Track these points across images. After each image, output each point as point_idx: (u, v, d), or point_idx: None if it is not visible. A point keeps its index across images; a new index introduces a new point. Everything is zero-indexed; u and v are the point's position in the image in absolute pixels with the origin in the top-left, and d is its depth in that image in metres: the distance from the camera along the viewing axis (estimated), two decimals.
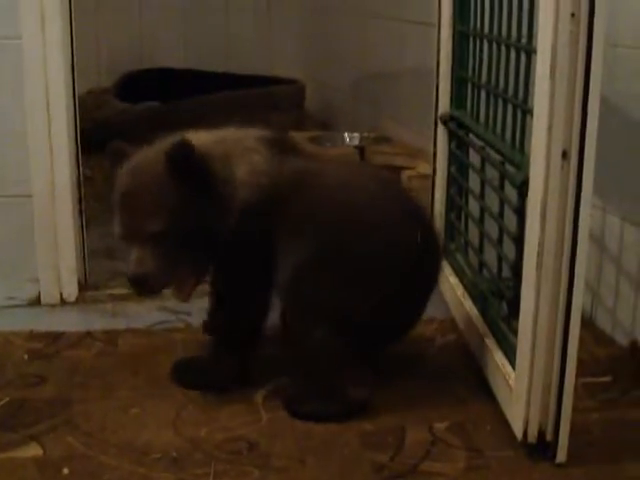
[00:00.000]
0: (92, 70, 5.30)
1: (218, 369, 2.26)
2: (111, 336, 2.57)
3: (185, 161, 2.04)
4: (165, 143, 2.10)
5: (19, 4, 2.65)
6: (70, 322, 2.71)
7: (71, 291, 2.85)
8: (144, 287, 2.08)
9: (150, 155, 2.12)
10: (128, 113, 4.99)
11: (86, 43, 4.49)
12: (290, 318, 2.21)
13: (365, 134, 4.08)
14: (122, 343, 2.53)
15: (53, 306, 2.83)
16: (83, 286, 2.90)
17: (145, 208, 2.05)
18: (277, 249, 2.15)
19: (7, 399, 2.22)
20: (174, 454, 1.98)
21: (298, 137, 4.09)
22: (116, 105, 5.01)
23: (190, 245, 2.08)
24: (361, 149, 3.77)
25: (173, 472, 1.91)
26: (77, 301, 2.86)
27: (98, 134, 4.57)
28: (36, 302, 2.84)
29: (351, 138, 4.07)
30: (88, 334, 2.61)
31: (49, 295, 2.84)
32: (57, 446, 2.01)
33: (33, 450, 2.00)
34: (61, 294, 2.85)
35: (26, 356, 2.47)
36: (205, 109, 4.95)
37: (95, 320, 2.70)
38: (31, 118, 2.72)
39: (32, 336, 2.60)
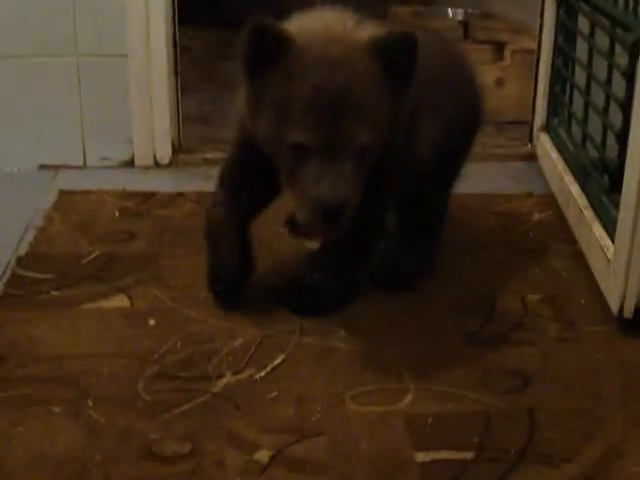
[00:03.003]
0: None
1: (338, 289, 1.99)
2: (203, 198, 2.54)
3: (408, 59, 1.69)
4: (361, 29, 1.74)
5: None
6: (162, 183, 2.71)
7: (164, 153, 2.84)
8: (339, 218, 1.66)
9: (347, 43, 1.69)
10: None
11: None
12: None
13: (469, 10, 3.95)
14: None
15: (146, 168, 2.83)
16: (177, 149, 2.88)
17: (355, 114, 1.65)
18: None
19: (97, 253, 2.23)
20: (260, 311, 1.97)
21: (401, 12, 4.00)
22: None
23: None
24: (465, 24, 3.66)
25: (258, 328, 1.91)
26: (170, 164, 2.85)
27: (200, 5, 4.54)
28: (129, 163, 2.84)
29: (454, 13, 3.94)
30: (180, 195, 2.60)
31: (143, 157, 2.83)
32: (144, 298, 2.02)
33: (121, 301, 2.01)
34: (154, 156, 2.84)
35: (117, 213, 2.47)
36: None
37: (187, 182, 2.69)
38: None
39: (124, 195, 2.60)
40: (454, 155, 2.12)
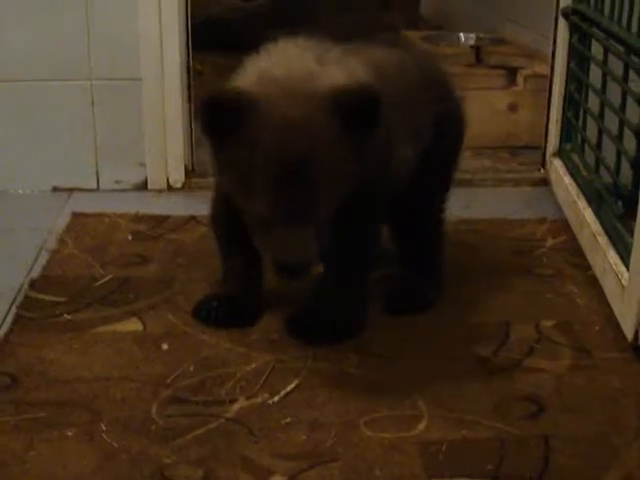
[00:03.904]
0: None
1: (347, 319, 1.98)
2: None
3: (371, 115, 1.65)
4: (317, 82, 1.67)
5: None
6: (175, 207, 2.71)
7: (177, 177, 2.85)
8: (303, 274, 1.70)
9: (307, 100, 1.64)
10: (240, 10, 4.96)
11: None
12: None
13: (481, 35, 3.96)
14: None
15: (159, 191, 2.84)
16: (189, 173, 2.88)
17: (316, 182, 1.62)
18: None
19: (110, 276, 2.23)
20: (274, 336, 1.97)
21: (412, 36, 4.01)
22: (229, 1, 4.99)
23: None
24: (477, 49, 3.66)
25: (272, 353, 1.90)
26: (183, 187, 2.86)
27: (210, 30, 4.57)
28: (143, 187, 2.85)
29: (467, 38, 3.94)
30: (192, 218, 2.60)
31: (156, 180, 2.84)
32: (157, 322, 2.02)
33: (133, 325, 2.01)
34: (167, 180, 2.84)
35: (130, 237, 2.48)
36: (317, 8, 4.88)
37: (200, 206, 2.66)
38: (142, 4, 2.69)
39: (137, 218, 2.60)
40: (439, 170, 2.11)
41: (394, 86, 1.87)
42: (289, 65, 1.72)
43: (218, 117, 1.62)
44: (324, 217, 1.68)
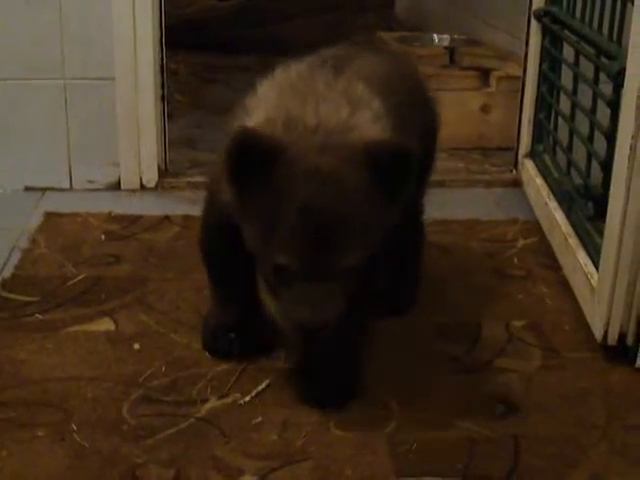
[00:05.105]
0: None
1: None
2: (189, 221, 2.54)
3: (405, 172, 1.56)
4: (356, 127, 1.60)
5: None
6: (148, 207, 2.71)
7: (151, 177, 2.84)
8: (320, 334, 1.55)
9: (339, 152, 1.54)
10: (216, 10, 4.96)
11: None
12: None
13: (455, 36, 3.97)
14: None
15: (132, 191, 2.83)
16: (163, 173, 2.88)
17: (344, 237, 1.52)
18: None
19: (82, 276, 2.22)
20: None
21: (386, 37, 4.02)
22: (206, 2, 5.00)
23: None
24: (451, 50, 3.67)
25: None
26: (156, 187, 2.85)
27: (186, 29, 4.58)
28: (116, 187, 2.84)
29: (440, 39, 3.96)
30: (166, 218, 2.60)
31: (129, 180, 2.83)
32: (129, 322, 2.02)
33: (106, 325, 2.01)
34: (141, 179, 2.84)
35: (103, 236, 2.48)
36: (293, 9, 4.89)
37: (173, 206, 2.69)
38: (117, 3, 2.68)
39: (110, 218, 2.60)
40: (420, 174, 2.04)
41: (394, 101, 1.76)
42: (319, 112, 1.60)
43: (247, 163, 1.52)
44: (350, 274, 1.57)
